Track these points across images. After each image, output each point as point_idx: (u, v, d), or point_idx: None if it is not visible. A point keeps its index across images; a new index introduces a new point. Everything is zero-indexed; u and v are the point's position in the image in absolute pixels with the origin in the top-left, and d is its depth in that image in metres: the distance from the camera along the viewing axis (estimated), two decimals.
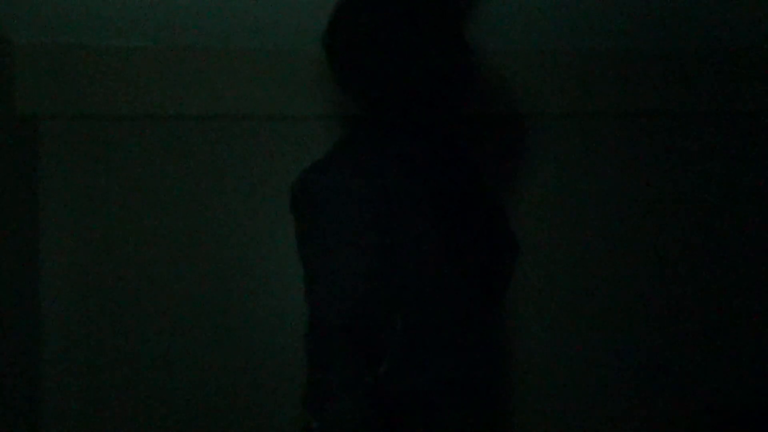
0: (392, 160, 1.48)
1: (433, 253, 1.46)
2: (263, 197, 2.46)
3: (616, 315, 2.61)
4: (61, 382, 2.38)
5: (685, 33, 2.31)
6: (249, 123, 2.45)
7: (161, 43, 2.24)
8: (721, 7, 2.12)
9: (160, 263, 2.42)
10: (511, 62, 2.39)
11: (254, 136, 2.45)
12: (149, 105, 2.25)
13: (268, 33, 2.19)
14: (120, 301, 2.40)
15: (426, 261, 1.46)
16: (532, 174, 2.57)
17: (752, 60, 2.47)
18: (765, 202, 2.68)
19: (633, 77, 2.43)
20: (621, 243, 2.61)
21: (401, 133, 1.53)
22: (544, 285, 2.58)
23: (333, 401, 1.36)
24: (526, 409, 2.58)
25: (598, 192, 2.60)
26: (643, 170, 2.61)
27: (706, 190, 2.65)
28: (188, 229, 2.43)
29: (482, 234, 1.62)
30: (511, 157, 2.56)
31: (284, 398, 2.47)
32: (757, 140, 2.67)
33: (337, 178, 1.41)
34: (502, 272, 1.71)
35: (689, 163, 2.64)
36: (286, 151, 2.46)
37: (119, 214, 2.40)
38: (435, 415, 1.50)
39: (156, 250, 2.42)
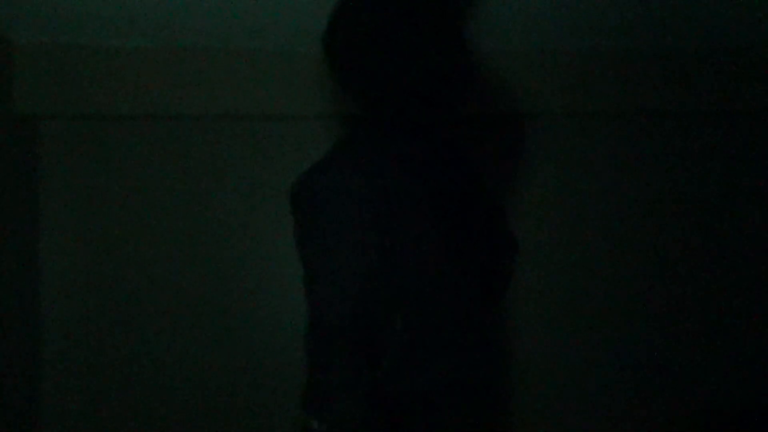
0: (392, 160, 1.48)
1: (433, 253, 1.47)
2: (263, 197, 2.46)
3: (616, 315, 2.61)
4: (61, 382, 2.38)
5: (685, 33, 2.31)
6: (249, 123, 2.45)
7: (161, 43, 2.24)
8: (721, 7, 2.12)
9: (160, 263, 2.42)
10: (511, 62, 2.39)
11: (254, 136, 2.45)
12: (149, 105, 2.25)
13: (268, 33, 2.19)
14: (120, 301, 2.40)
15: (426, 261, 1.46)
16: (531, 174, 2.57)
17: (752, 60, 2.47)
18: (765, 202, 2.68)
19: (633, 77, 2.43)
20: (621, 243, 2.61)
21: (401, 133, 1.53)
22: (544, 285, 2.58)
23: (333, 401, 1.36)
24: (526, 409, 2.58)
25: (598, 192, 2.60)
26: (643, 170, 2.61)
27: (706, 190, 2.65)
28: (188, 229, 2.43)
29: (482, 234, 1.62)
30: (511, 157, 2.56)
31: (284, 398, 2.47)
32: (757, 140, 2.67)
33: (337, 178, 1.41)
34: (502, 272, 1.71)
35: (689, 163, 2.63)
36: (286, 151, 2.46)
37: (119, 214, 2.40)
38: (435, 415, 1.50)
39: (156, 250, 2.42)
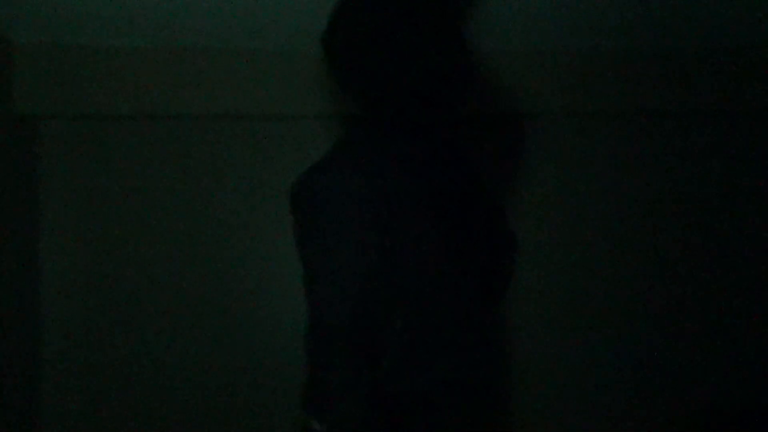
0: (392, 160, 1.48)
1: (433, 253, 1.47)
2: (263, 197, 2.46)
3: (616, 315, 2.61)
4: (61, 382, 2.39)
5: (685, 33, 2.31)
6: (249, 123, 2.45)
7: (161, 43, 2.24)
8: (721, 7, 2.12)
9: (160, 263, 2.42)
10: (511, 62, 2.39)
11: (254, 136, 2.45)
12: (149, 105, 2.25)
13: (268, 33, 2.19)
14: (120, 301, 2.41)
15: (426, 261, 1.46)
16: (531, 174, 2.57)
17: (752, 60, 2.47)
18: (765, 202, 2.68)
19: (633, 77, 2.43)
20: (621, 243, 2.61)
21: (401, 133, 1.53)
22: (544, 285, 2.58)
23: (333, 401, 1.36)
24: (526, 409, 2.58)
25: (598, 192, 2.60)
26: (643, 170, 2.61)
27: (706, 190, 2.65)
28: (188, 229, 2.43)
29: (482, 234, 1.62)
30: (511, 157, 2.56)
31: (284, 398, 2.47)
32: (757, 140, 2.67)
33: (337, 178, 1.41)
34: (502, 272, 1.71)
35: (689, 163, 2.63)
36: (286, 151, 2.46)
37: (119, 214, 2.40)
38: (435, 415, 1.50)
39: (156, 250, 2.42)
